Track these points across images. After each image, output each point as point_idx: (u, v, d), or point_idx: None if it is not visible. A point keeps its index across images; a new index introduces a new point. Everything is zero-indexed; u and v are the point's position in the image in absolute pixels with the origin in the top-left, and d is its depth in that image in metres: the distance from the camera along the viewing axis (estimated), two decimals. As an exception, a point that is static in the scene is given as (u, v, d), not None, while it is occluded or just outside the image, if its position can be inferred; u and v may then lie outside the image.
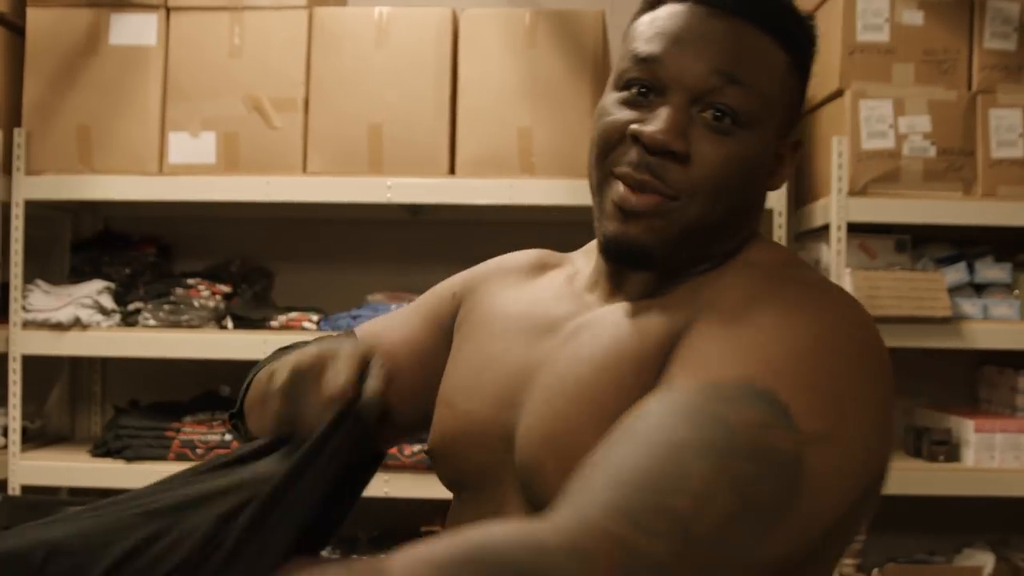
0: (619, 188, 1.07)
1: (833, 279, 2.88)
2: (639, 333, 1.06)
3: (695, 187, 1.05)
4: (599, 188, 1.10)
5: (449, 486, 1.21)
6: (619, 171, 1.07)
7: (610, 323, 1.09)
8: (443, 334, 1.28)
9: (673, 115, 1.05)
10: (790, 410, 0.90)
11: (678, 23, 1.08)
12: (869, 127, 2.92)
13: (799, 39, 1.11)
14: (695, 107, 1.06)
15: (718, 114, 1.05)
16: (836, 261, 2.91)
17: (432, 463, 1.22)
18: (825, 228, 2.99)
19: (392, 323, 1.33)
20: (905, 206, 2.92)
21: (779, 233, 2.99)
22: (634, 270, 1.11)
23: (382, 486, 2.88)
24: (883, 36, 2.95)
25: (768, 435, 0.88)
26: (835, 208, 2.91)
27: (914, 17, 2.95)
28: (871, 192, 2.92)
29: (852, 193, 2.91)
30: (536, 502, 1.04)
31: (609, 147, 1.09)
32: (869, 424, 0.96)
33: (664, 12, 1.10)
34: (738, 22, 1.07)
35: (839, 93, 2.97)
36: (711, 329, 0.99)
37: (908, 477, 2.94)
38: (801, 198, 3.31)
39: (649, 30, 1.09)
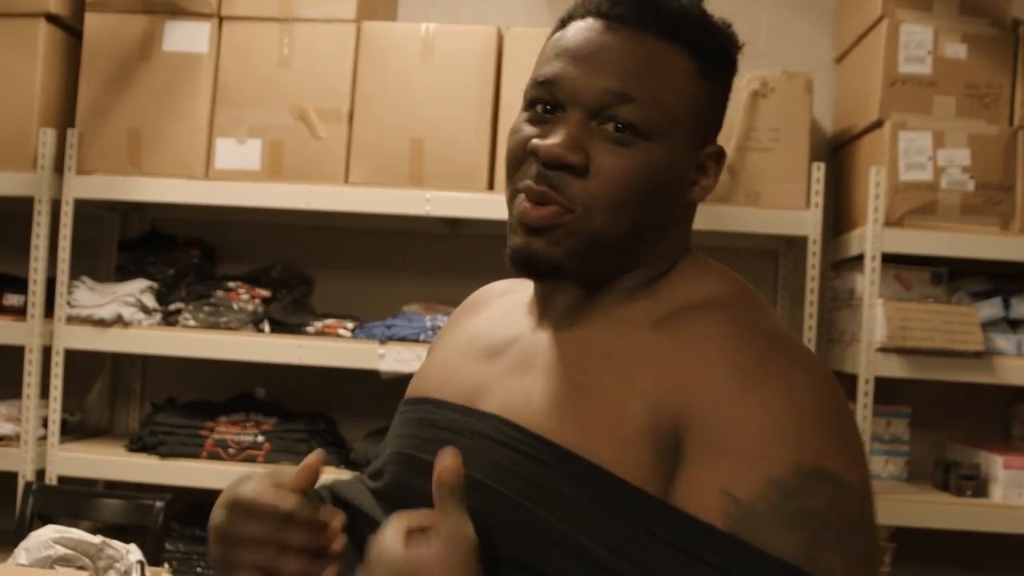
0: (520, 202, 1.09)
1: (865, 309, 2.89)
2: (618, 412, 1.03)
3: (593, 199, 1.06)
4: (509, 204, 1.12)
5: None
6: (521, 185, 1.09)
7: (566, 373, 1.08)
8: None
9: (569, 130, 1.06)
10: (842, 478, 0.99)
11: (576, 41, 1.09)
12: (908, 159, 2.92)
13: (706, 45, 1.11)
14: (595, 121, 1.07)
15: (619, 126, 1.07)
16: (869, 291, 2.91)
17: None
18: (860, 258, 2.99)
19: None
20: (941, 239, 2.92)
21: (813, 261, 3.00)
22: (541, 281, 1.14)
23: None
24: (925, 68, 2.96)
25: (845, 506, 0.98)
26: (870, 238, 2.91)
27: (957, 50, 2.95)
28: (907, 224, 2.93)
29: (888, 224, 2.92)
30: None
31: (516, 163, 1.11)
32: (866, 460, 1.06)
33: (569, 30, 1.12)
34: (636, 34, 1.08)
35: (879, 124, 2.98)
36: (724, 418, 1.00)
37: (935, 511, 2.93)
38: (837, 227, 3.31)
39: (552, 51, 1.11)
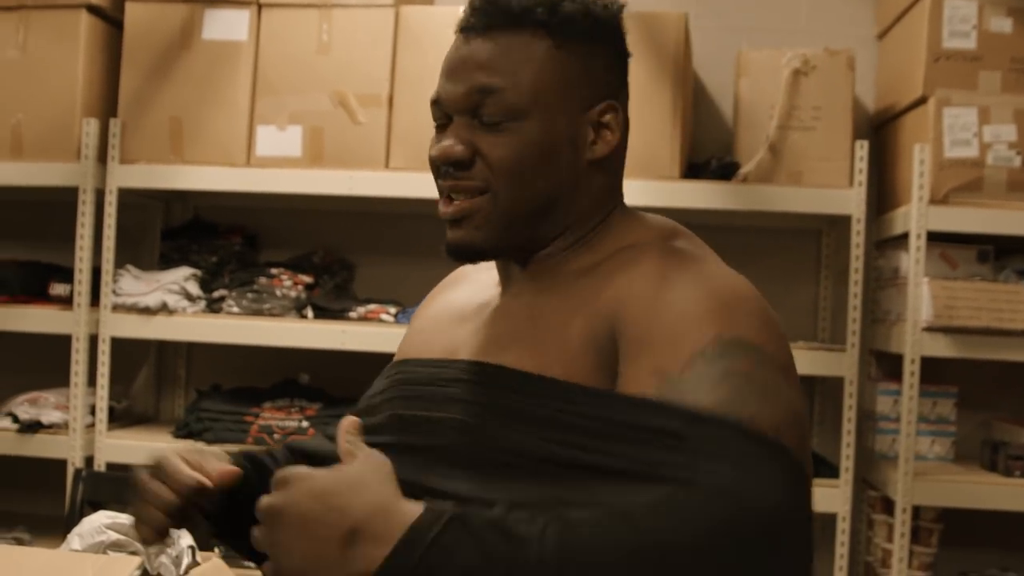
0: (440, 204, 1.28)
1: (911, 288, 2.86)
2: (564, 333, 1.19)
3: (495, 175, 1.23)
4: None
5: None
6: (438, 188, 1.29)
7: (523, 316, 1.26)
8: None
9: (453, 132, 1.25)
10: (762, 348, 1.12)
11: (449, 59, 1.28)
12: (952, 135, 2.88)
13: (556, 21, 1.24)
14: (475, 119, 1.24)
15: (492, 118, 1.23)
16: (915, 270, 2.88)
17: None
18: (905, 236, 2.96)
19: None
20: (987, 216, 2.88)
21: (857, 240, 2.97)
22: (475, 263, 1.33)
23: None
24: (970, 43, 2.92)
25: (766, 369, 1.10)
26: (915, 216, 2.88)
27: (1002, 24, 2.91)
28: (953, 201, 2.89)
29: (933, 202, 2.88)
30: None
31: (434, 172, 1.30)
32: (787, 345, 1.19)
33: (448, 51, 1.30)
34: (488, 35, 1.25)
35: (923, 100, 2.94)
36: (649, 314, 1.14)
37: (983, 491, 2.90)
38: (881, 206, 3.28)
39: (440, 72, 1.29)
